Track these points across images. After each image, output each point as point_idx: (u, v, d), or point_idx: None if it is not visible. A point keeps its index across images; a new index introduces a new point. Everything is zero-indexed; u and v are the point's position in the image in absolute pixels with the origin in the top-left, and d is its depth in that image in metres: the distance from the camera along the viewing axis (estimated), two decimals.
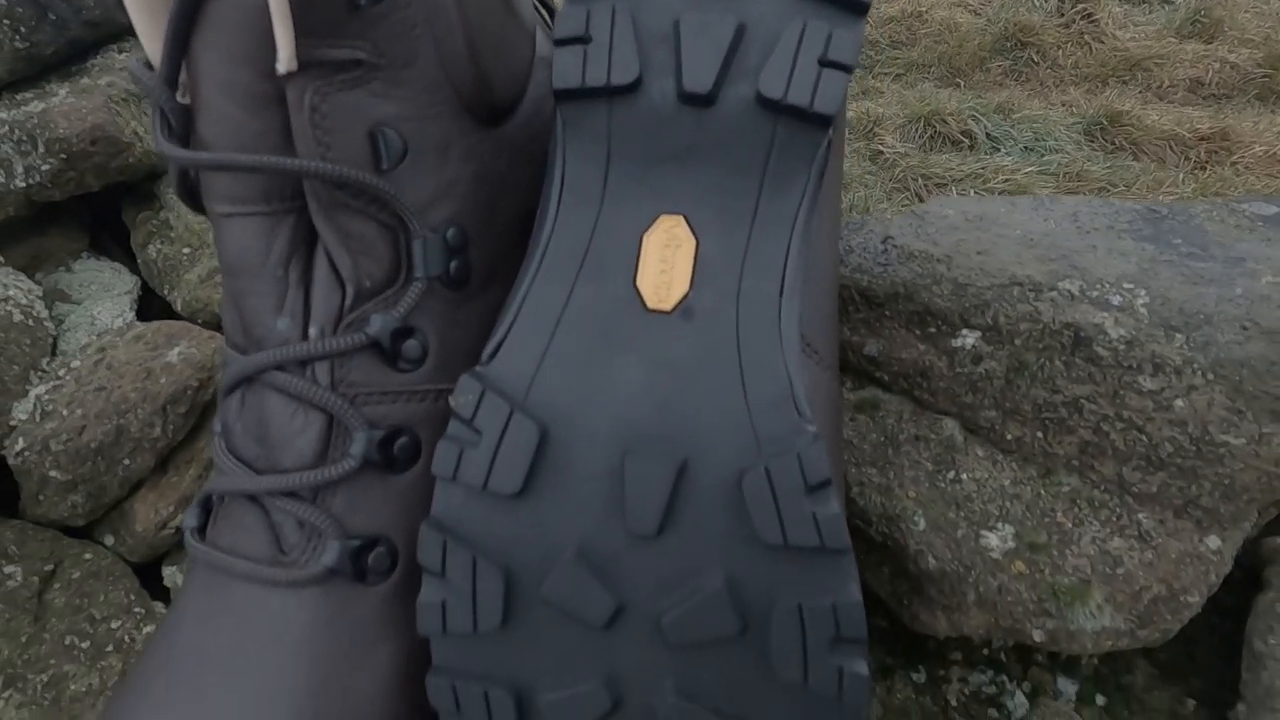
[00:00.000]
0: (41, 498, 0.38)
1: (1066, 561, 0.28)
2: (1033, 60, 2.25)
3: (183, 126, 0.21)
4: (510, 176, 0.26)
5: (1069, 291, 0.30)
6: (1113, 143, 1.75)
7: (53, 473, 0.36)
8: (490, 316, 0.25)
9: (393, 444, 0.22)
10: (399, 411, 0.23)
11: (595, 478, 0.20)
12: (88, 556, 0.39)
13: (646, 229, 0.23)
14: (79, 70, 0.47)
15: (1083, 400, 0.29)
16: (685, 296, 0.22)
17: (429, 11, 0.22)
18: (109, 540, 0.40)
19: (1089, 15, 2.38)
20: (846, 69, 0.21)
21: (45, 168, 0.42)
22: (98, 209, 0.53)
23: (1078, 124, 1.81)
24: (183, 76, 0.21)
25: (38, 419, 0.37)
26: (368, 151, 0.22)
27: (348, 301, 0.22)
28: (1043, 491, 0.29)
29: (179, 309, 0.46)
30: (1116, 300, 0.29)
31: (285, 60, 0.19)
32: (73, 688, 0.34)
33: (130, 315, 0.46)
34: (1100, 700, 0.32)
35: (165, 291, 0.47)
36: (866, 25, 0.27)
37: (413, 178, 0.23)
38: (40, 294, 0.43)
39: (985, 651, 0.34)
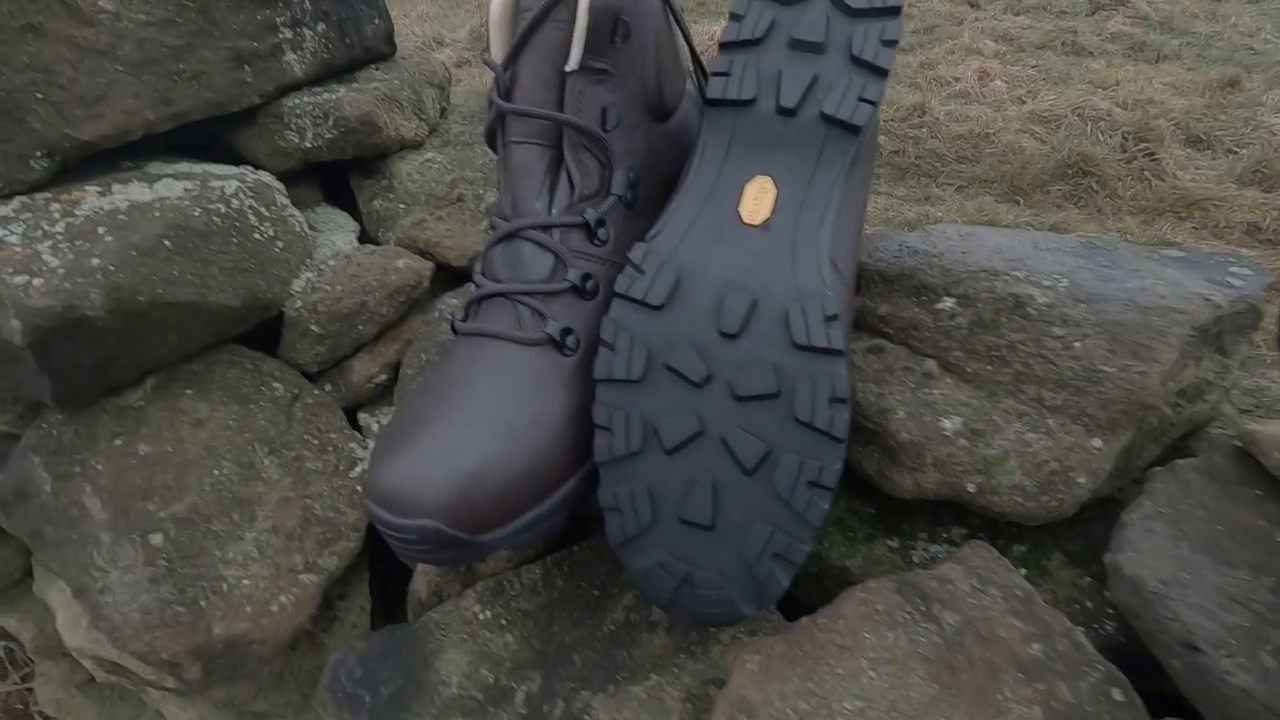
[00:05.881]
0: (298, 346, 0.55)
1: (994, 442, 0.41)
2: (1092, 188, 2.40)
3: (506, 93, 0.39)
4: (664, 153, 0.43)
5: (1017, 276, 0.45)
6: None
7: (313, 326, 0.54)
8: (643, 230, 0.41)
9: (586, 281, 0.39)
10: (591, 265, 0.39)
11: (704, 304, 0.36)
12: (317, 392, 0.55)
13: (748, 180, 0.39)
14: (349, 78, 0.67)
15: (1017, 343, 0.43)
16: (767, 219, 0.38)
17: (642, 53, 0.40)
18: (327, 387, 0.57)
19: (1151, 154, 2.53)
20: (874, 104, 0.38)
21: (328, 136, 0.62)
22: (327, 180, 0.73)
23: None
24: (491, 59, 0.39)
25: (309, 291, 0.55)
26: (600, 118, 0.39)
27: (574, 199, 0.39)
28: (987, 404, 0.43)
29: (391, 243, 0.64)
30: (1047, 283, 0.44)
31: (573, 62, 0.37)
32: (309, 465, 0.50)
33: (356, 244, 0.64)
34: (1024, 572, 0.45)
35: (381, 233, 0.66)
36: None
37: (618, 139, 0.40)
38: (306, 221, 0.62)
39: (944, 535, 0.47)
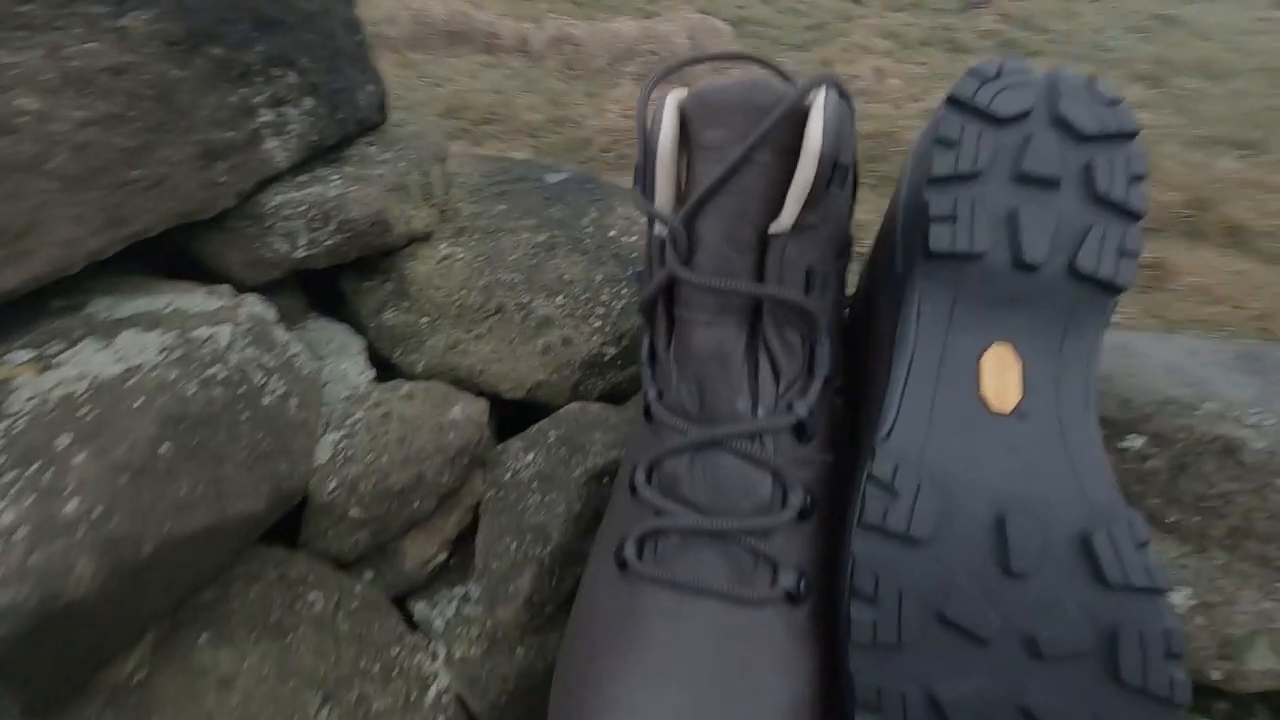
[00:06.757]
0: (331, 533, 0.42)
1: (1234, 618, 0.36)
2: None
3: (685, 256, 0.29)
4: (840, 295, 0.35)
5: (1213, 411, 0.40)
6: None
7: (354, 511, 0.42)
8: (830, 407, 0.33)
9: (806, 498, 0.30)
10: (806, 475, 0.30)
11: (979, 531, 0.28)
12: (357, 589, 0.43)
13: (983, 351, 0.32)
14: (338, 157, 0.54)
15: (1233, 494, 0.38)
16: (1019, 404, 0.31)
17: (847, 196, 0.31)
18: (367, 575, 0.45)
19: None
20: (1136, 256, 0.31)
21: (329, 243, 0.49)
22: (308, 278, 0.59)
23: None
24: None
25: (340, 462, 0.42)
26: (803, 282, 0.30)
27: (781, 390, 0.30)
28: (1203, 563, 0.38)
29: (418, 371, 0.52)
30: (1251, 420, 0.39)
31: (786, 223, 0.28)
32: (375, 706, 0.39)
33: (371, 372, 0.51)
34: None
35: (398, 355, 0.53)
36: None
37: (819, 300, 0.31)
38: (308, 350, 0.49)
39: None
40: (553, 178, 0.63)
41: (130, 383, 0.36)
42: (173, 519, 0.32)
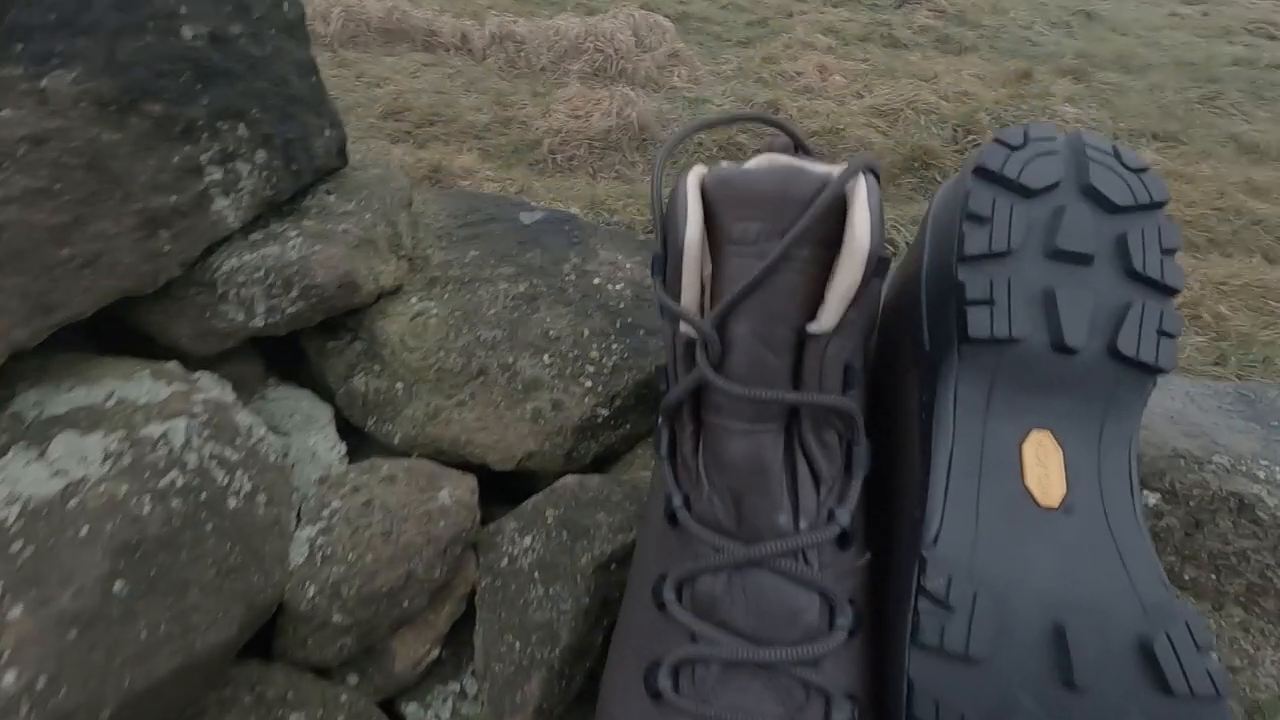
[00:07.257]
0: (311, 642, 0.38)
1: (1259, 680, 0.36)
2: (936, 180, 2.58)
3: (717, 359, 0.26)
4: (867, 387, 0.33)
5: (1223, 465, 0.40)
6: None
7: (337, 617, 0.38)
8: (862, 503, 0.31)
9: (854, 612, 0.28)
10: (850, 586, 0.28)
11: (1036, 642, 0.27)
12: (343, 699, 0.39)
13: (1022, 439, 0.30)
14: (297, 210, 0.49)
15: (1249, 551, 0.38)
16: (1065, 497, 0.29)
17: (885, 283, 0.29)
18: (352, 679, 0.41)
19: (979, 145, 2.78)
20: (1176, 336, 0.30)
21: (291, 310, 0.44)
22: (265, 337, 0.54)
23: None
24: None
25: (318, 563, 0.38)
26: (841, 381, 0.28)
27: (820, 497, 0.28)
28: (1223, 623, 0.38)
29: (395, 442, 0.48)
30: (1262, 475, 0.39)
31: (828, 324, 0.26)
32: None
33: (342, 447, 0.47)
34: None
35: (372, 423, 0.49)
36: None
37: (856, 397, 0.29)
38: (269, 429, 0.44)
39: None
40: (527, 217, 0.60)
41: (72, 504, 0.31)
42: (133, 672, 0.28)
